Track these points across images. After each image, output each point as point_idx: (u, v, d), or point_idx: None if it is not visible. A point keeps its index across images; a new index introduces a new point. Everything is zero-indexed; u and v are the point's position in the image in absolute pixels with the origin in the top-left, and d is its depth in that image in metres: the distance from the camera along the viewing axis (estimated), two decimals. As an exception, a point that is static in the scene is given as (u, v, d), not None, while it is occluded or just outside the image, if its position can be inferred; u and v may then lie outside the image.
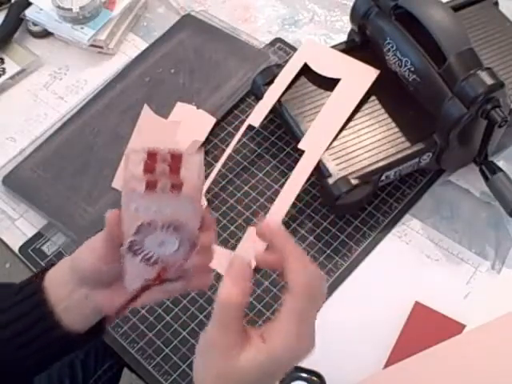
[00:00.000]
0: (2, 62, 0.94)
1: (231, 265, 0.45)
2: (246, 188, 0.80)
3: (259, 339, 0.44)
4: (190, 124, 0.84)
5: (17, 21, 0.96)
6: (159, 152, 0.46)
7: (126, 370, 0.89)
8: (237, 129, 0.82)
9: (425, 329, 0.68)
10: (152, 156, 0.46)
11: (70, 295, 0.52)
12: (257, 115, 0.80)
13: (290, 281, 0.45)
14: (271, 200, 0.77)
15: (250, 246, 0.74)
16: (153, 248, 0.49)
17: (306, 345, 0.45)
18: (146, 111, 0.82)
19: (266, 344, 0.43)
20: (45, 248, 0.77)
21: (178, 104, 0.86)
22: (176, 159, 0.46)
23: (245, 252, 0.73)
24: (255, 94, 0.84)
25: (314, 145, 0.76)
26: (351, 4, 0.82)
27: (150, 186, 0.45)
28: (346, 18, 0.88)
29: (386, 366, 0.66)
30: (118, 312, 0.53)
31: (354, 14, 0.82)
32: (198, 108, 0.85)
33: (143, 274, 0.50)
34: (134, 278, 0.51)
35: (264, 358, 0.43)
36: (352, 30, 0.84)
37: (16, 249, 0.78)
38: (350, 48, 0.83)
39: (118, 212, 0.48)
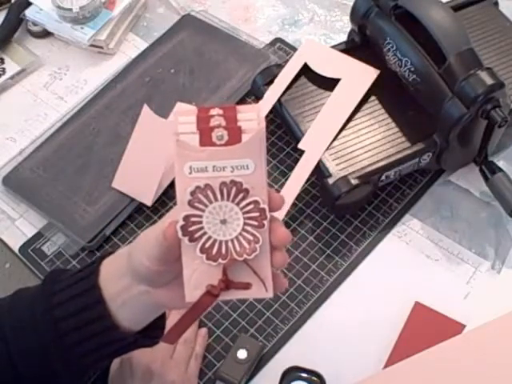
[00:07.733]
0: (2, 62, 0.94)
1: None
2: (246, 188, 0.80)
3: None
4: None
5: (17, 21, 0.96)
6: (211, 108, 0.40)
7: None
8: (237, 129, 0.82)
9: (425, 329, 0.68)
10: (204, 111, 0.40)
11: (127, 290, 0.49)
12: (257, 115, 0.80)
13: None
14: (271, 200, 0.77)
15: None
16: (213, 230, 0.41)
17: None
18: (146, 111, 0.82)
19: None
20: (45, 248, 0.77)
21: (178, 104, 0.86)
22: (230, 110, 0.40)
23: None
24: (255, 93, 0.84)
25: (314, 145, 0.76)
26: (351, 4, 0.82)
27: (205, 137, 0.39)
28: (346, 18, 0.88)
29: (386, 366, 0.66)
30: (177, 334, 0.46)
31: (354, 14, 0.82)
32: (198, 108, 0.85)
33: (205, 276, 0.41)
34: (194, 284, 0.42)
35: None
36: (352, 29, 0.84)
37: (16, 249, 0.78)
38: (350, 48, 0.83)
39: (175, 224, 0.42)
